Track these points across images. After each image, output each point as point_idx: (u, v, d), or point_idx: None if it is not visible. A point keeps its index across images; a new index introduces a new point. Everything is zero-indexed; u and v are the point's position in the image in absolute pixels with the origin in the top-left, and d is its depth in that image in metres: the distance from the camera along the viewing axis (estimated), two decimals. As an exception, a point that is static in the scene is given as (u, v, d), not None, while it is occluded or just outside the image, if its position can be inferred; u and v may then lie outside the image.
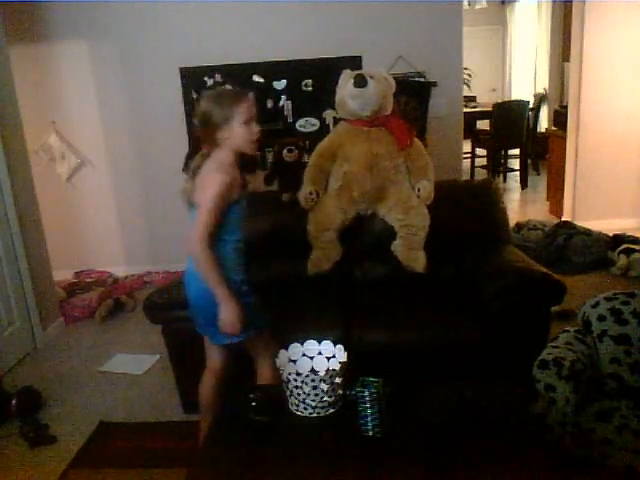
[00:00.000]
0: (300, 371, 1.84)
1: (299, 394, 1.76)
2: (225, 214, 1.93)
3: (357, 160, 2.70)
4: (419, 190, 2.76)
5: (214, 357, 2.18)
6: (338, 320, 2.47)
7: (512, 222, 3.75)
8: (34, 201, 3.62)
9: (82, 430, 2.60)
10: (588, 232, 4.37)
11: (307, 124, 4.28)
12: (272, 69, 4.18)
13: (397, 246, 2.79)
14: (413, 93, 3.90)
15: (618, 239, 4.31)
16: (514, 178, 7.06)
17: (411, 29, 4.14)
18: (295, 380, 1.75)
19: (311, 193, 2.77)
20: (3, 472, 2.37)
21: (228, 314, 1.93)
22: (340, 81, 2.76)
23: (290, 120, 4.27)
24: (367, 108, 2.64)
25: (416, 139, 2.83)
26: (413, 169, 2.78)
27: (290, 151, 2.97)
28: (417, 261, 2.75)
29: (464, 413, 1.73)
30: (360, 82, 2.60)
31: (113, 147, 4.44)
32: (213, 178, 1.90)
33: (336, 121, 4.04)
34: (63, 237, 4.45)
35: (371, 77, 2.63)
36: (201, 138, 2.01)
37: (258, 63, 4.17)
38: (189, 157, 3.10)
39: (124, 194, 4.54)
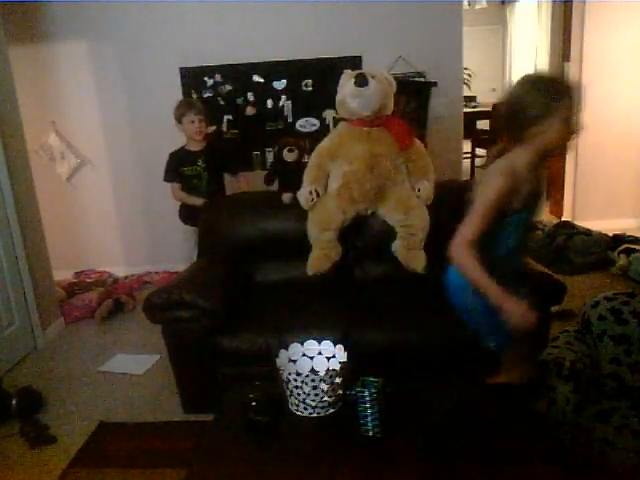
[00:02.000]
0: (300, 371, 1.85)
1: (299, 394, 1.76)
2: (499, 222, 1.75)
3: (357, 160, 2.70)
4: (419, 190, 2.76)
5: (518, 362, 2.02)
6: (338, 320, 2.47)
7: (512, 222, 3.75)
8: (34, 201, 3.62)
9: (82, 430, 2.60)
10: (588, 232, 4.36)
11: (307, 124, 4.28)
12: (272, 69, 4.18)
13: (397, 246, 2.79)
14: (413, 93, 3.90)
15: (618, 239, 4.31)
16: (514, 178, 7.05)
17: (411, 29, 4.14)
18: (295, 380, 1.75)
19: (311, 193, 2.77)
20: (3, 472, 2.37)
21: (515, 312, 1.72)
22: (341, 81, 2.76)
23: (290, 120, 4.27)
24: (368, 108, 2.64)
25: (416, 139, 2.83)
26: (413, 169, 2.78)
27: (290, 151, 2.96)
28: (417, 261, 2.75)
29: (464, 413, 1.73)
30: (361, 81, 2.59)
31: (113, 147, 4.44)
32: (494, 180, 1.72)
33: (336, 121, 4.06)
34: (63, 237, 4.45)
35: (372, 77, 2.62)
36: (503, 128, 1.78)
37: (258, 63, 4.17)
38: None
39: (124, 194, 4.54)
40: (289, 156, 2.97)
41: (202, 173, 3.41)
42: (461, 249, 1.73)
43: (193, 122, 3.33)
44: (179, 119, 3.37)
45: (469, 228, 1.72)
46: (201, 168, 3.40)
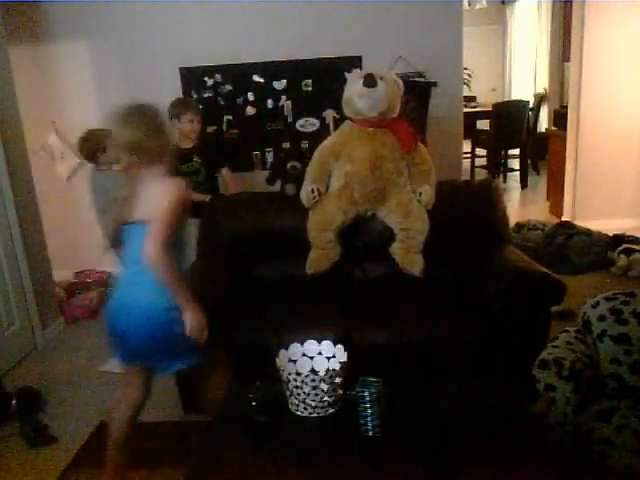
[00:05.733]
0: (300, 371, 1.85)
1: (299, 394, 1.76)
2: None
3: (360, 161, 2.69)
4: (420, 194, 2.75)
5: (140, 387, 2.00)
6: (338, 320, 2.47)
7: (512, 222, 3.75)
8: (34, 201, 3.62)
9: (82, 430, 2.60)
10: (588, 232, 4.36)
11: (307, 124, 4.28)
12: (272, 69, 4.18)
13: (395, 249, 2.79)
14: (413, 93, 3.89)
15: (618, 239, 4.31)
16: (514, 178, 7.06)
17: (411, 29, 4.14)
18: (295, 380, 1.75)
19: (313, 191, 2.76)
20: (3, 472, 2.37)
21: (196, 318, 1.81)
22: (349, 80, 2.75)
23: (290, 120, 4.27)
24: (374, 109, 2.63)
25: (420, 143, 2.82)
26: (416, 173, 2.77)
27: (294, 168, 2.98)
28: (414, 265, 2.75)
29: (464, 413, 1.73)
30: (370, 82, 2.58)
31: (113, 147, 4.44)
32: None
33: (336, 121, 4.07)
34: (63, 237, 4.44)
35: (381, 78, 2.61)
36: None
37: (258, 63, 4.18)
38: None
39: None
40: (292, 173, 2.98)
41: (199, 169, 3.42)
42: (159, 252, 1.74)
43: (192, 121, 3.35)
44: (178, 117, 3.35)
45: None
46: (197, 164, 3.41)
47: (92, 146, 3.16)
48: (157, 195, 1.79)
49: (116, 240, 1.95)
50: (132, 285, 1.86)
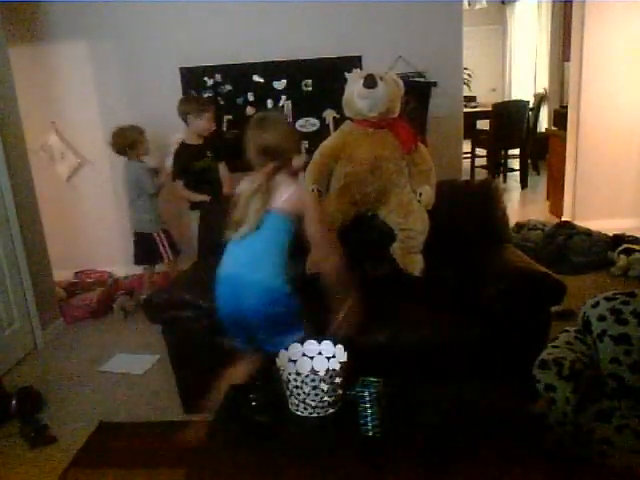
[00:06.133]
0: (300, 371, 1.84)
1: (299, 394, 1.76)
2: None
3: (360, 161, 2.69)
4: (420, 195, 2.75)
5: (247, 371, 2.18)
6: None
7: (512, 222, 3.75)
8: (34, 201, 3.62)
9: (82, 430, 2.60)
10: (588, 232, 4.36)
11: (307, 124, 4.28)
12: (272, 69, 4.18)
13: (395, 249, 2.79)
14: (413, 93, 3.89)
15: (618, 239, 4.31)
16: (514, 178, 7.06)
17: (411, 29, 4.14)
18: (295, 380, 1.75)
19: (313, 191, 2.76)
20: (3, 472, 2.37)
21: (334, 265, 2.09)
22: (349, 80, 2.75)
23: (290, 120, 4.27)
24: (375, 109, 2.63)
25: (421, 144, 2.82)
26: (416, 174, 2.77)
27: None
28: (414, 265, 2.75)
29: (464, 413, 1.73)
30: (370, 83, 2.58)
31: (113, 147, 4.44)
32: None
33: (336, 121, 4.07)
34: (63, 237, 4.44)
35: (381, 79, 2.61)
36: None
37: (258, 63, 4.17)
38: None
39: (124, 194, 4.53)
40: None
41: (211, 164, 3.46)
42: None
43: (208, 120, 3.48)
44: (198, 114, 3.43)
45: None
46: (209, 159, 3.45)
47: (122, 141, 3.53)
48: (296, 191, 2.09)
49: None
50: (256, 266, 2.07)
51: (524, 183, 6.77)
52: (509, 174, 7.22)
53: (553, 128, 5.75)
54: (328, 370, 1.85)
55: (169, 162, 3.55)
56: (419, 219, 2.74)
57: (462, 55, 4.22)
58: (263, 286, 2.04)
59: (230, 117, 4.26)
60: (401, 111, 2.75)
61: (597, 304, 2.10)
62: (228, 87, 4.23)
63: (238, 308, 2.06)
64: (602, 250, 4.22)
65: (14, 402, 2.70)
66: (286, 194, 2.07)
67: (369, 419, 1.66)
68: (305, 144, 4.23)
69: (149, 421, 2.65)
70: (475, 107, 7.94)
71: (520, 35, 8.84)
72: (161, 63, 4.23)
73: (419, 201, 2.75)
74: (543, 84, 7.76)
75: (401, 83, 2.73)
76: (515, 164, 7.15)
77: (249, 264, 2.08)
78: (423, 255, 2.76)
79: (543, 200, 5.96)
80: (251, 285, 2.05)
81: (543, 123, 7.48)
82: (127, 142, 3.53)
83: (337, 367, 1.85)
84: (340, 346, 1.96)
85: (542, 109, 7.38)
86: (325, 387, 1.74)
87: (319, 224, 2.11)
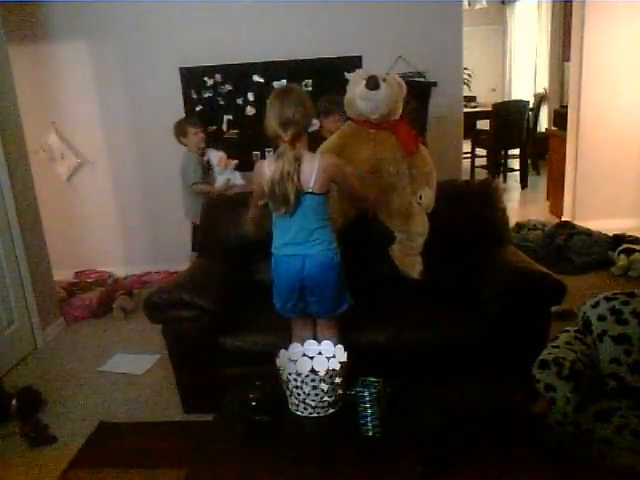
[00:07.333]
0: (300, 371, 1.84)
1: (299, 394, 1.76)
2: None
3: (361, 163, 2.68)
4: (420, 197, 2.74)
5: (306, 335, 2.27)
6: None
7: (512, 222, 3.75)
8: (34, 201, 3.62)
9: (82, 430, 2.60)
10: (588, 232, 4.36)
11: (307, 124, 4.27)
12: (272, 69, 4.18)
13: (394, 251, 2.78)
14: (413, 93, 3.88)
15: (618, 239, 4.31)
16: (514, 178, 7.06)
17: (411, 29, 4.14)
18: (295, 380, 1.75)
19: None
20: (3, 472, 2.37)
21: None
22: (351, 80, 2.73)
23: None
24: (377, 111, 2.61)
25: (422, 146, 2.81)
26: (416, 175, 2.76)
27: None
28: (413, 267, 2.74)
29: (464, 413, 1.73)
30: (372, 84, 2.55)
31: (113, 147, 4.44)
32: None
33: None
34: (63, 237, 4.45)
35: (384, 80, 2.59)
36: None
37: (258, 63, 4.17)
38: None
39: (124, 194, 4.54)
40: None
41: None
42: None
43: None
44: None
45: None
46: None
47: (175, 131, 3.72)
48: (328, 168, 2.13)
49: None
50: (310, 241, 2.17)
51: (524, 183, 6.77)
52: (509, 174, 7.22)
53: (553, 128, 5.74)
54: (328, 370, 1.85)
55: (220, 183, 3.70)
56: (419, 221, 2.73)
57: (462, 55, 4.22)
58: (320, 256, 2.16)
59: (230, 117, 4.26)
60: (402, 112, 2.74)
61: (597, 304, 2.10)
62: (228, 87, 4.23)
63: (298, 277, 2.17)
64: (602, 250, 4.22)
65: (14, 402, 2.70)
66: (311, 169, 2.10)
67: (369, 419, 1.66)
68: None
69: (149, 421, 2.65)
70: (475, 107, 7.94)
71: (520, 35, 8.84)
72: (161, 63, 4.23)
73: (419, 203, 2.74)
74: (543, 84, 7.76)
75: (404, 84, 2.71)
76: (515, 164, 7.15)
77: (302, 239, 2.17)
78: (423, 256, 2.75)
79: (543, 200, 5.96)
80: (310, 257, 2.16)
81: (543, 123, 7.48)
82: (179, 132, 3.71)
83: (337, 367, 1.85)
84: (340, 346, 1.96)
85: (542, 109, 7.38)
86: (325, 387, 1.74)
87: (354, 179, 2.25)
